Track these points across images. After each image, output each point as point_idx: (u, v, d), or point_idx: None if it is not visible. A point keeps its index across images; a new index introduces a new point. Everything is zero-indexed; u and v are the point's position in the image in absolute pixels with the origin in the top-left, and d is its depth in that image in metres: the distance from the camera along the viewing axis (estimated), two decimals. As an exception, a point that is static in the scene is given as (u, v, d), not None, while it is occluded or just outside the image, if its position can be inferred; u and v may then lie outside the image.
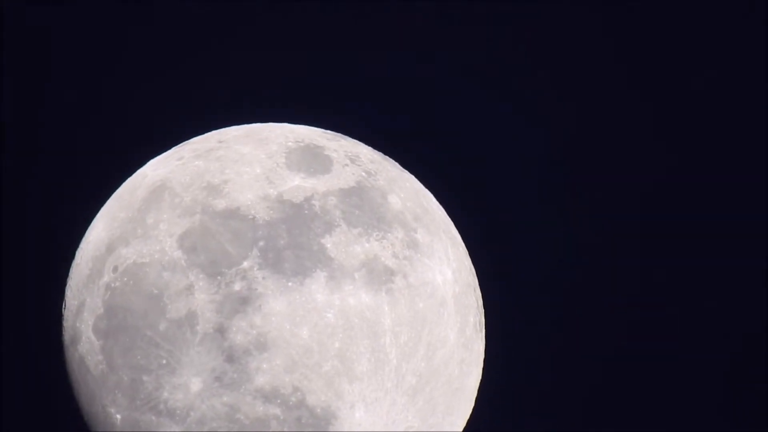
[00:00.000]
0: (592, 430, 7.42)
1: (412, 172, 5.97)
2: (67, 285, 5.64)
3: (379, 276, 5.07)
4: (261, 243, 4.97)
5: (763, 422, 7.34)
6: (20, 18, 7.42)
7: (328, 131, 5.91)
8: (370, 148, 5.88)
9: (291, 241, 4.99)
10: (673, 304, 7.68)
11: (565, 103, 7.82)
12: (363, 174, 5.45)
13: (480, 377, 5.83)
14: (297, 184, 5.21)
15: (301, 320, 4.87)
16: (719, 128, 7.77)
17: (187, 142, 5.83)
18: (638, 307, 7.69)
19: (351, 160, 5.51)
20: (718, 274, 7.67)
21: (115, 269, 5.18)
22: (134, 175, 5.74)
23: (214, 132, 5.85)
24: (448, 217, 5.91)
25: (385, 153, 5.96)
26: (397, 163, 5.93)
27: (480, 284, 5.90)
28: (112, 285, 5.16)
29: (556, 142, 7.85)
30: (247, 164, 5.30)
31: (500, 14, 7.80)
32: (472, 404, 5.81)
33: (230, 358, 4.84)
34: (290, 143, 5.50)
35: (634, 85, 7.82)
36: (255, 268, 4.91)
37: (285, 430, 4.90)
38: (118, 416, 5.15)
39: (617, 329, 7.61)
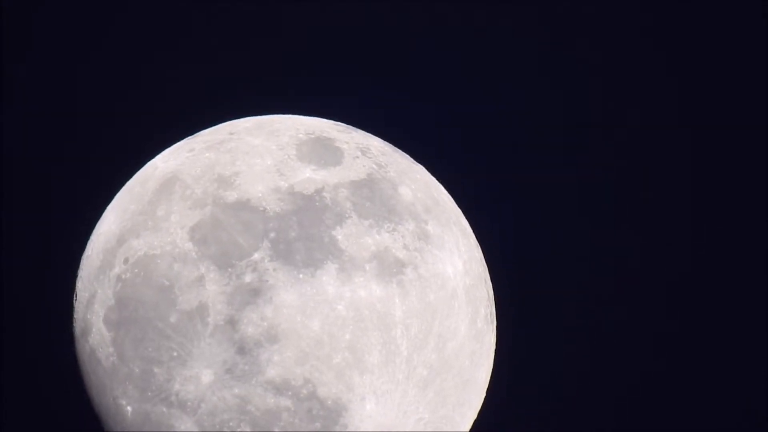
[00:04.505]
0: (601, 423, 7.42)
1: (422, 164, 5.96)
2: (78, 277, 5.65)
3: (389, 268, 5.07)
4: (272, 235, 4.97)
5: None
6: (37, 8, 7.44)
7: (339, 123, 5.91)
8: (380, 140, 5.87)
9: (302, 232, 4.99)
10: (682, 299, 7.67)
11: (576, 96, 7.82)
12: (374, 166, 5.44)
13: (491, 369, 5.83)
14: (308, 176, 5.21)
15: (312, 312, 4.87)
16: (726, 128, 7.76)
17: (197, 133, 5.84)
18: (647, 301, 7.69)
19: (362, 152, 5.50)
20: (728, 274, 7.67)
21: (126, 261, 5.19)
22: (145, 167, 5.74)
23: (224, 123, 5.86)
24: (458, 208, 5.91)
25: (396, 145, 5.96)
26: (407, 155, 5.92)
27: (491, 276, 5.90)
28: (123, 277, 5.17)
29: (566, 135, 7.84)
30: (258, 156, 5.30)
31: (513, 11, 7.80)
32: (483, 396, 5.81)
33: (241, 350, 4.84)
34: (301, 135, 5.50)
35: (647, 78, 7.82)
36: (266, 260, 4.91)
37: (296, 422, 4.90)
38: (129, 408, 5.16)
39: (628, 322, 7.61)
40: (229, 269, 4.92)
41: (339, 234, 5.03)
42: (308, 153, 5.35)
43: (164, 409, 5.01)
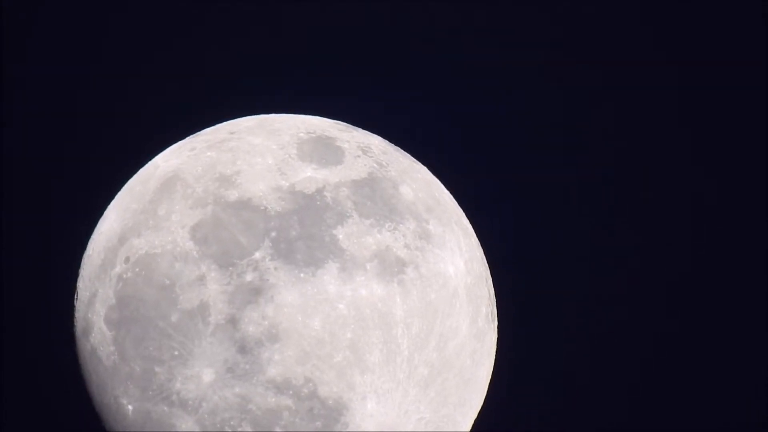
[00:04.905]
0: (602, 423, 7.42)
1: (423, 163, 5.97)
2: (79, 276, 5.65)
3: (390, 267, 5.07)
4: (273, 234, 4.97)
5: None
6: (37, 8, 7.44)
7: (340, 122, 5.91)
8: (381, 139, 5.88)
9: (303, 232, 4.99)
10: (682, 299, 7.67)
11: (576, 96, 7.82)
12: (375, 165, 5.45)
13: (492, 368, 5.83)
14: (309, 175, 5.21)
15: (313, 311, 4.87)
16: (726, 128, 7.77)
17: (199, 133, 5.84)
18: (647, 301, 7.69)
19: (363, 151, 5.51)
20: (728, 274, 7.67)
21: (127, 260, 5.19)
22: (146, 166, 5.74)
23: (225, 123, 5.86)
24: (459, 208, 5.91)
25: (397, 144, 5.96)
26: (408, 154, 5.93)
27: (492, 275, 5.90)
28: (124, 276, 5.17)
29: (566, 135, 7.84)
30: (259, 155, 5.30)
31: (513, 11, 7.80)
32: (484, 395, 5.81)
33: (242, 349, 4.84)
34: (302, 134, 5.50)
35: (647, 78, 7.81)
36: (267, 259, 4.91)
37: (297, 421, 4.90)
38: (130, 407, 5.15)
39: (628, 322, 7.61)
40: (230, 268, 4.92)
41: (340, 233, 5.03)
42: (309, 152, 5.35)
43: (165, 408, 5.01)
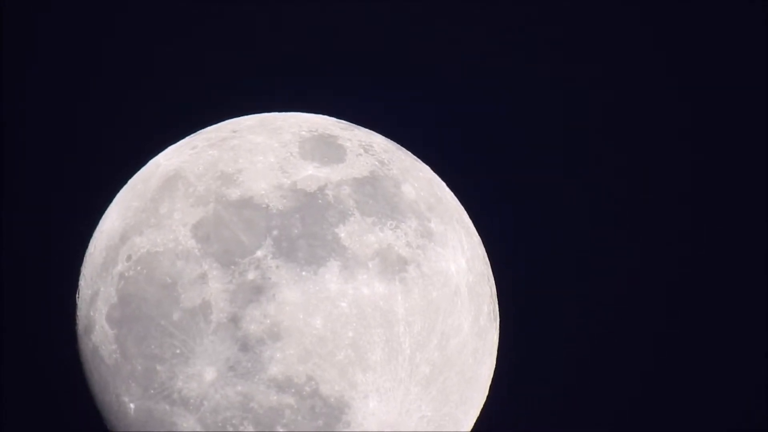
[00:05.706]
0: (602, 422, 7.42)
1: (425, 161, 5.97)
2: (81, 274, 5.64)
3: (392, 265, 5.07)
4: (275, 232, 4.96)
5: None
6: (38, 8, 7.44)
7: (342, 120, 5.91)
8: (383, 138, 5.87)
9: (305, 230, 4.99)
10: (682, 299, 7.68)
11: (576, 96, 7.82)
12: (376, 163, 5.45)
13: (494, 367, 5.83)
14: (310, 173, 5.21)
15: (314, 310, 4.87)
16: (726, 127, 7.78)
17: (200, 131, 5.83)
18: (647, 301, 7.69)
19: (364, 150, 5.50)
20: (728, 274, 7.68)
21: (129, 258, 5.18)
22: (148, 165, 5.74)
23: (227, 121, 5.85)
24: (461, 206, 5.91)
25: (399, 143, 5.97)
26: (410, 153, 5.93)
27: (493, 274, 5.90)
28: (126, 274, 5.16)
29: (566, 135, 7.85)
30: (260, 153, 5.30)
31: (513, 11, 7.80)
32: (486, 394, 5.81)
33: (244, 348, 4.84)
34: (304, 132, 5.50)
35: (648, 77, 7.83)
36: (269, 258, 4.91)
37: (299, 419, 4.90)
38: (132, 405, 5.15)
39: (630, 321, 7.61)
40: (232, 267, 4.92)
41: (342, 231, 5.03)
42: (311, 150, 5.35)
43: (167, 407, 5.01)
